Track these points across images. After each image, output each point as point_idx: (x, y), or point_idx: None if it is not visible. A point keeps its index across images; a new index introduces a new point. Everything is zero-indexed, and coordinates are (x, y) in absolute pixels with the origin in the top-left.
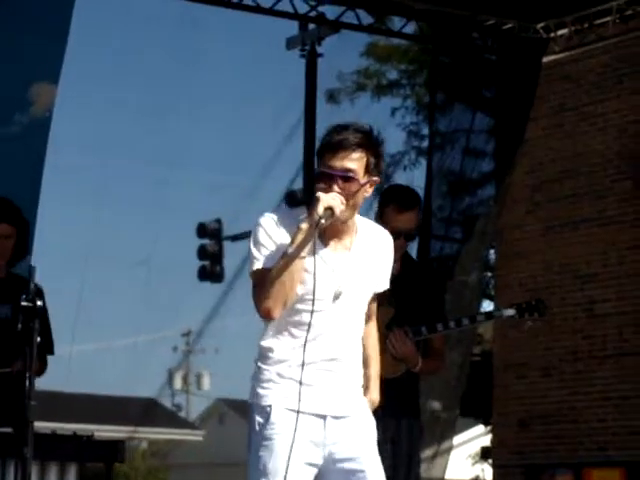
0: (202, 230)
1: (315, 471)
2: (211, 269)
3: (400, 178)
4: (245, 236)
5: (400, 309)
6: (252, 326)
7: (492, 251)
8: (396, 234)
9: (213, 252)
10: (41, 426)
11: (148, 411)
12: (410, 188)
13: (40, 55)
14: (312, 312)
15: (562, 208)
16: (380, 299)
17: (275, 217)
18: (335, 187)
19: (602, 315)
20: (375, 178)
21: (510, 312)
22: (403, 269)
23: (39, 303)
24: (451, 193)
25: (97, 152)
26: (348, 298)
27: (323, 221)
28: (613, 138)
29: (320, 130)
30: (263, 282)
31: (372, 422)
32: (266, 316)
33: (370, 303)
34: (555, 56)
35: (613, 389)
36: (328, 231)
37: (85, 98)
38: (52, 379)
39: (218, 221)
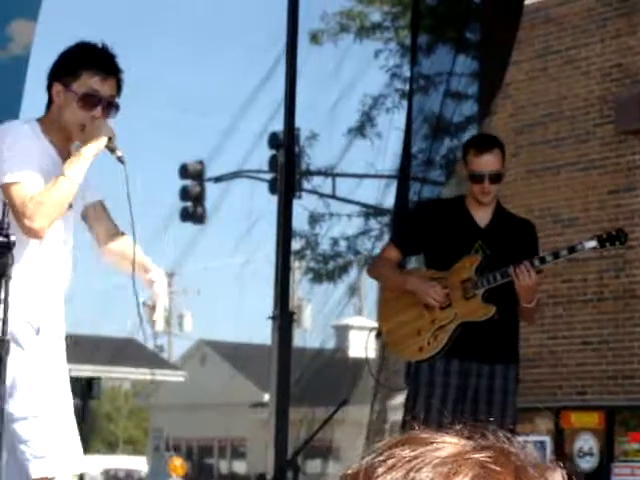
0: (184, 171)
1: None
2: (193, 210)
3: (382, 120)
4: (227, 178)
5: (492, 256)
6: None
7: None
8: (478, 177)
9: (195, 193)
10: None
11: (127, 351)
12: (487, 133)
13: None
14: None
15: (544, 152)
16: (468, 246)
17: (31, 129)
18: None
19: (582, 259)
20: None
21: (592, 244)
22: (495, 218)
23: (12, 238)
24: (432, 136)
25: None
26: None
27: (121, 154)
28: (596, 82)
29: (301, 70)
30: (33, 199)
31: None
32: (37, 236)
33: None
34: None
35: (592, 333)
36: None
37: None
38: None
39: (200, 162)
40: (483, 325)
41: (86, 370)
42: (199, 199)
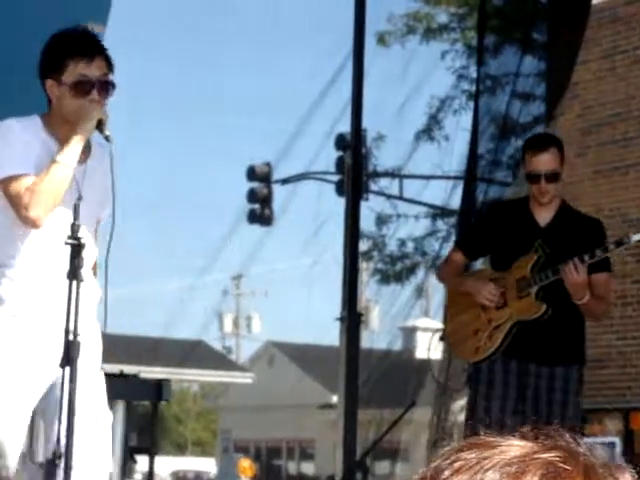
0: (252, 173)
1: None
2: (261, 212)
3: (449, 121)
4: (294, 179)
5: (552, 255)
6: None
7: None
8: (535, 177)
9: (262, 195)
10: None
11: (196, 353)
12: (544, 133)
13: None
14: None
15: (612, 152)
16: (528, 245)
17: (23, 124)
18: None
19: None
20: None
21: (638, 237)
22: (557, 217)
23: (83, 241)
24: (499, 136)
25: (147, 95)
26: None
27: (108, 133)
28: None
29: (368, 72)
30: (29, 189)
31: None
32: (35, 225)
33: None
34: None
35: None
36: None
37: (132, 40)
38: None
39: (268, 164)
40: (541, 325)
41: (156, 372)
42: (266, 201)
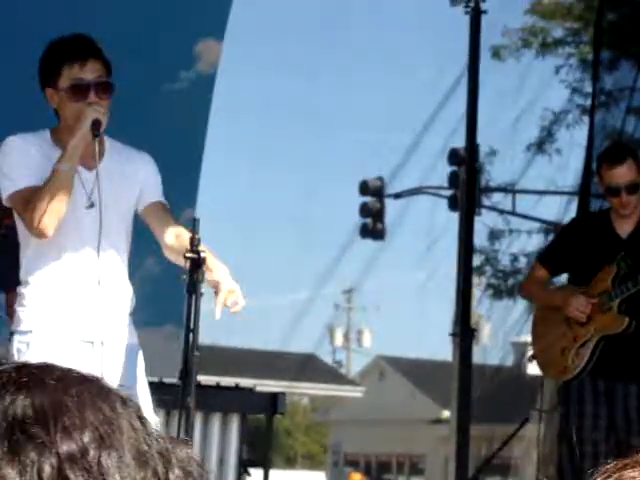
0: (364, 188)
1: None
2: (373, 226)
3: (562, 136)
4: (408, 194)
5: (634, 267)
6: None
7: None
8: (614, 190)
9: (375, 209)
10: (204, 378)
11: (308, 366)
12: (619, 142)
13: (206, 12)
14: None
15: None
16: (610, 258)
17: (23, 138)
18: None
19: None
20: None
21: None
22: (639, 227)
23: (203, 255)
24: None
25: (258, 110)
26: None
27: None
28: None
29: (483, 87)
30: (31, 201)
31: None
32: (43, 235)
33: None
34: None
35: None
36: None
37: (247, 56)
38: (215, 333)
39: (380, 179)
40: (625, 340)
41: (269, 385)
42: (379, 215)
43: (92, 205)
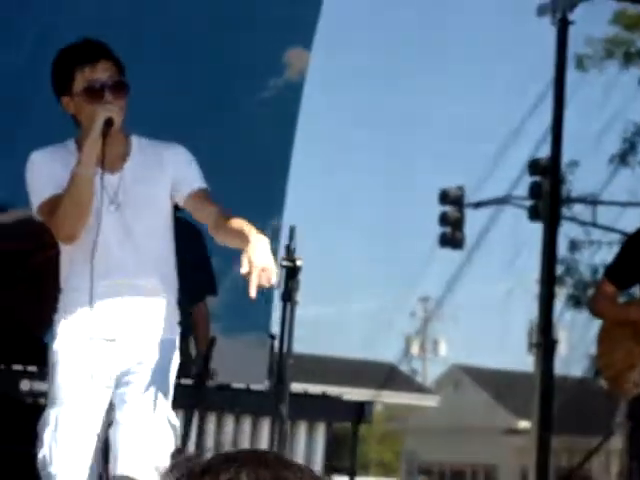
0: (444, 197)
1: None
2: (452, 236)
3: None
4: (488, 203)
5: None
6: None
7: None
8: None
9: (455, 219)
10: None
11: (388, 375)
12: None
13: (294, 20)
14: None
15: None
16: None
17: (44, 151)
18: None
19: None
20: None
21: None
22: None
23: (298, 263)
24: None
25: (342, 119)
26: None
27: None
28: None
29: (569, 98)
30: (55, 209)
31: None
32: (69, 240)
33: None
34: None
35: None
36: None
37: (332, 64)
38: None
39: (460, 188)
40: None
41: (349, 393)
42: (458, 225)
43: (118, 207)
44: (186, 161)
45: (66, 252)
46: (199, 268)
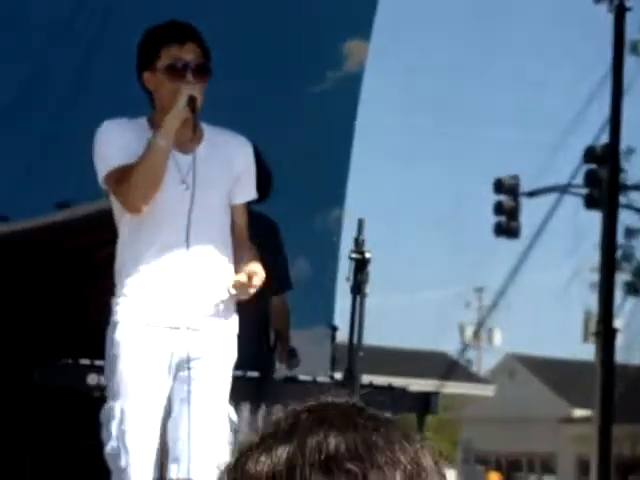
0: (499, 186)
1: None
2: (507, 225)
3: None
4: (544, 192)
5: None
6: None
7: None
8: None
9: (510, 208)
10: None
11: (441, 365)
12: None
13: (353, 12)
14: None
15: None
16: None
17: (117, 121)
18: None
19: None
20: None
21: None
22: None
23: (367, 255)
24: None
25: (402, 110)
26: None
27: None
28: None
29: (628, 85)
30: (125, 177)
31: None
32: (136, 211)
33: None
34: None
35: None
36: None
37: (391, 55)
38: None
39: (515, 177)
40: None
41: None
42: (513, 214)
43: (188, 187)
44: (251, 160)
45: (129, 231)
46: (276, 262)
